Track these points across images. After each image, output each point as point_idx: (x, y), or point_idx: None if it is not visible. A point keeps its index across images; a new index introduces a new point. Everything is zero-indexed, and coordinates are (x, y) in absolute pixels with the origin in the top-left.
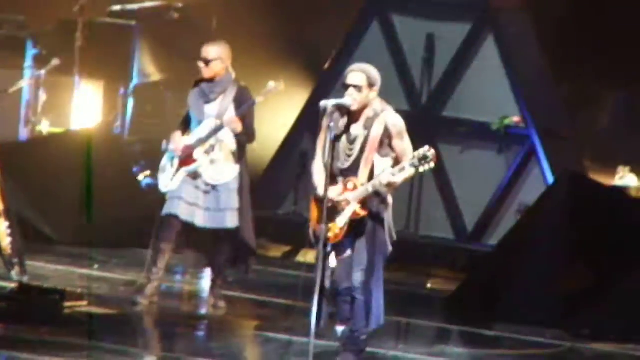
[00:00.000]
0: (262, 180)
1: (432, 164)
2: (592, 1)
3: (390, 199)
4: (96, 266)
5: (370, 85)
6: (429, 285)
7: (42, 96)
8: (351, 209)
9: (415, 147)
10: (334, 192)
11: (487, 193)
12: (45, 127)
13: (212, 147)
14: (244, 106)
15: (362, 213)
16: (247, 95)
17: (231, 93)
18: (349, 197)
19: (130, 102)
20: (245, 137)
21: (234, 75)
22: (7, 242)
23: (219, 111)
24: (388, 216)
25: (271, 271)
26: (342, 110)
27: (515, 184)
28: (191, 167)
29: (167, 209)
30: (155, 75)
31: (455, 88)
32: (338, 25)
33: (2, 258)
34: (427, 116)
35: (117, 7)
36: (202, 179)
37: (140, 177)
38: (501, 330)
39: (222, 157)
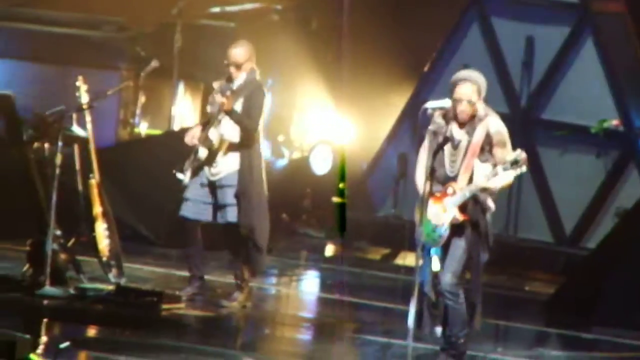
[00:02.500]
0: (362, 182)
1: (524, 168)
2: None
3: (491, 205)
4: None
5: (479, 95)
6: (527, 288)
7: (141, 98)
8: (451, 214)
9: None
10: (436, 208)
11: (586, 196)
12: (143, 128)
13: (211, 141)
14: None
15: (461, 218)
16: (258, 91)
17: (244, 90)
18: (449, 203)
19: None
20: (241, 123)
21: (257, 74)
22: (104, 244)
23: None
24: (487, 223)
25: (370, 274)
26: (447, 114)
27: (613, 187)
28: (194, 162)
29: (180, 212)
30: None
31: (554, 91)
32: (439, 28)
33: (99, 260)
34: (526, 119)
35: (216, 9)
36: (204, 174)
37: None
38: (599, 333)
39: (221, 152)
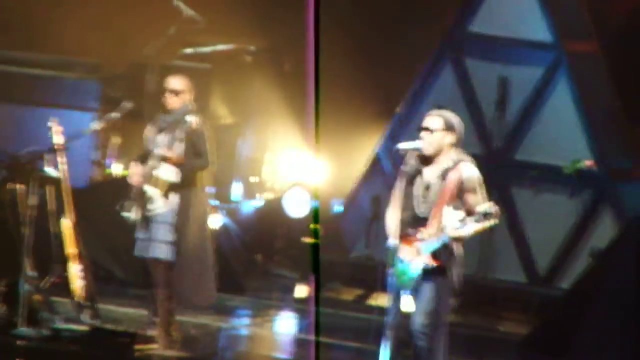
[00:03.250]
0: (335, 223)
1: (496, 220)
2: None
3: (460, 250)
4: None
5: (447, 129)
6: (501, 328)
7: (114, 139)
8: (422, 259)
9: (488, 191)
10: (407, 252)
11: (559, 236)
12: (116, 170)
13: (154, 180)
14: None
15: (432, 263)
16: (199, 126)
17: (181, 124)
18: (420, 248)
19: None
20: (188, 168)
21: (190, 108)
22: (78, 285)
23: (168, 142)
24: (458, 268)
25: (343, 314)
26: (419, 155)
27: (587, 228)
28: (143, 202)
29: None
30: (226, 117)
31: (527, 131)
32: (411, 69)
33: (73, 301)
34: (499, 160)
35: (189, 50)
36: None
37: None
38: None
39: (157, 191)
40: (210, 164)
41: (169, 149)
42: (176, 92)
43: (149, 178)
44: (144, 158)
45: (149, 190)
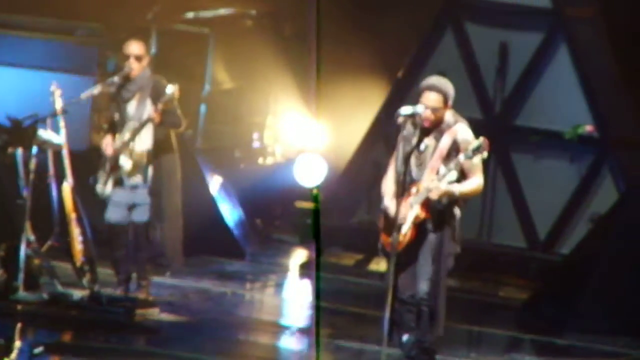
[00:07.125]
0: (336, 188)
1: (485, 153)
2: None
3: (458, 212)
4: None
5: (446, 104)
6: (501, 294)
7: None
8: (413, 212)
9: (488, 156)
10: (402, 211)
11: (559, 202)
12: None
13: (130, 151)
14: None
15: (423, 215)
16: (163, 86)
17: (148, 89)
18: (412, 202)
19: (203, 109)
20: (168, 127)
21: (149, 72)
22: (78, 249)
23: (136, 111)
24: (453, 228)
25: (343, 279)
26: (416, 123)
27: (587, 193)
28: (118, 173)
29: (106, 217)
30: (228, 82)
31: (528, 97)
32: (412, 34)
33: (73, 265)
34: (499, 125)
35: (190, 15)
36: (124, 180)
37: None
38: (573, 339)
39: (136, 159)
40: (182, 124)
41: (140, 120)
42: (140, 58)
43: (124, 149)
44: (114, 127)
45: (125, 162)
